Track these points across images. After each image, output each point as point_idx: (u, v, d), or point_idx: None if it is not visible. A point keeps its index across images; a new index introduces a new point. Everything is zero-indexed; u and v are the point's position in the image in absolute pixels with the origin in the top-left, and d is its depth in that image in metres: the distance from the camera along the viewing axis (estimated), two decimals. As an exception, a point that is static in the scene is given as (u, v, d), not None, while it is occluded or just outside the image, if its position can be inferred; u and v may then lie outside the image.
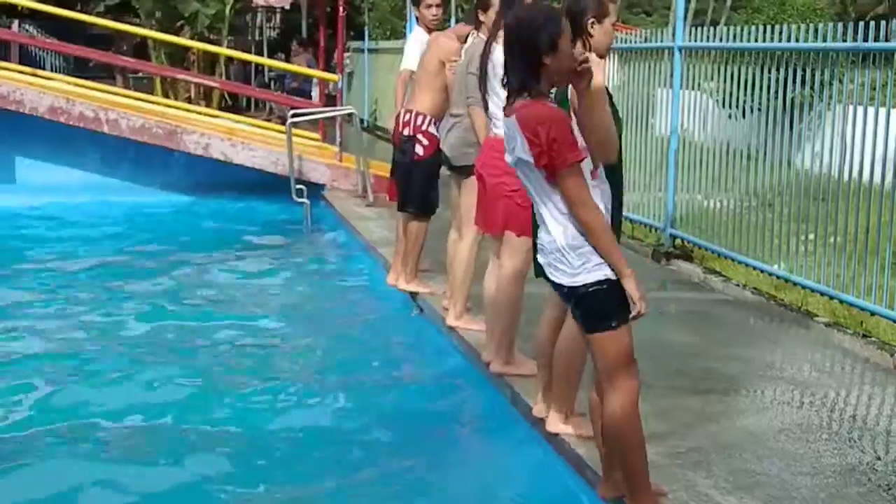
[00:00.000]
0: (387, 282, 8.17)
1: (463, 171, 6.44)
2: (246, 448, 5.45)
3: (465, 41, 6.47)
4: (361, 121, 13.94)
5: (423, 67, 7.25)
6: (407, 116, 7.32)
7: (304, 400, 6.22)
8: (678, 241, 9.48)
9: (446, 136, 6.69)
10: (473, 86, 6.02)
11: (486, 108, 5.75)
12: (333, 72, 15.06)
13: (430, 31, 7.91)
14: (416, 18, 8.13)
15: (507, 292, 5.73)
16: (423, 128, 7.17)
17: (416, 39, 8.00)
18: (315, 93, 16.89)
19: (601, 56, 4.59)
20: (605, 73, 5.13)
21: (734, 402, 5.54)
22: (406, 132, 7.31)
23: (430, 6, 7.73)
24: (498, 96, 5.55)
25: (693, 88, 9.46)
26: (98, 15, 18.56)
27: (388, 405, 6.19)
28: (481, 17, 6.38)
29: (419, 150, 7.20)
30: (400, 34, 21.74)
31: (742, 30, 8.61)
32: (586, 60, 3.90)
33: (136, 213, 12.71)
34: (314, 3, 23.56)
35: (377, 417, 5.92)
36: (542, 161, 3.74)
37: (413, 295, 7.76)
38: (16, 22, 26.65)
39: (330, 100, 15.39)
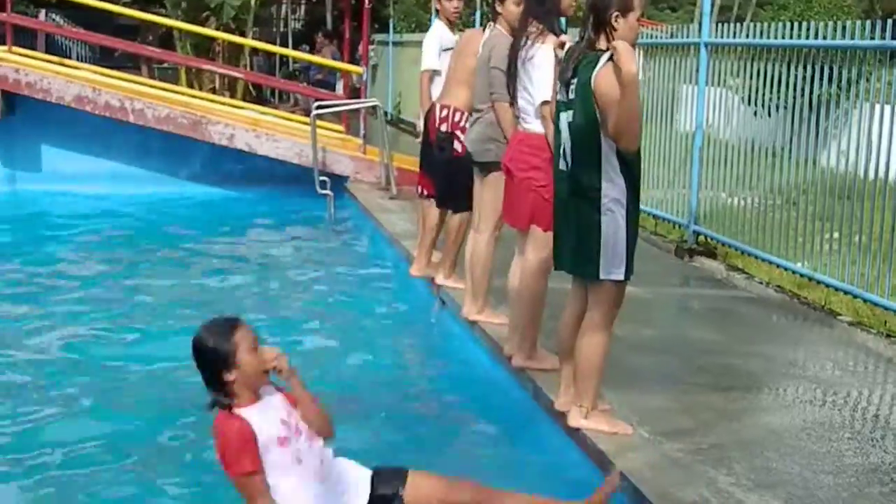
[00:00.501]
0: (410, 273, 8.19)
1: (484, 167, 6.44)
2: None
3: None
4: (385, 113, 13.94)
5: (462, 62, 7.04)
6: (444, 112, 7.21)
7: (322, 391, 6.23)
8: (701, 238, 9.46)
9: (469, 131, 6.67)
10: (498, 81, 6.02)
11: (513, 103, 5.75)
12: (358, 64, 15.08)
13: (451, 24, 7.90)
14: (437, 11, 8.12)
15: (531, 286, 5.74)
16: (462, 124, 7.03)
17: (436, 35, 7.93)
18: (339, 85, 16.93)
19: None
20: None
21: (756, 400, 5.54)
22: (444, 128, 7.19)
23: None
24: (528, 92, 5.56)
25: (718, 85, 9.44)
26: (124, 5, 18.59)
27: (408, 397, 6.21)
28: (498, 8, 6.41)
29: (458, 146, 7.11)
30: (425, 27, 21.76)
31: (768, 26, 8.58)
32: None
33: (161, 204, 12.78)
34: (339, -5, 23.63)
35: (396, 410, 5.93)
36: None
37: (438, 288, 7.76)
38: (42, 11, 26.81)
39: (354, 92, 15.41)
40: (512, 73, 5.71)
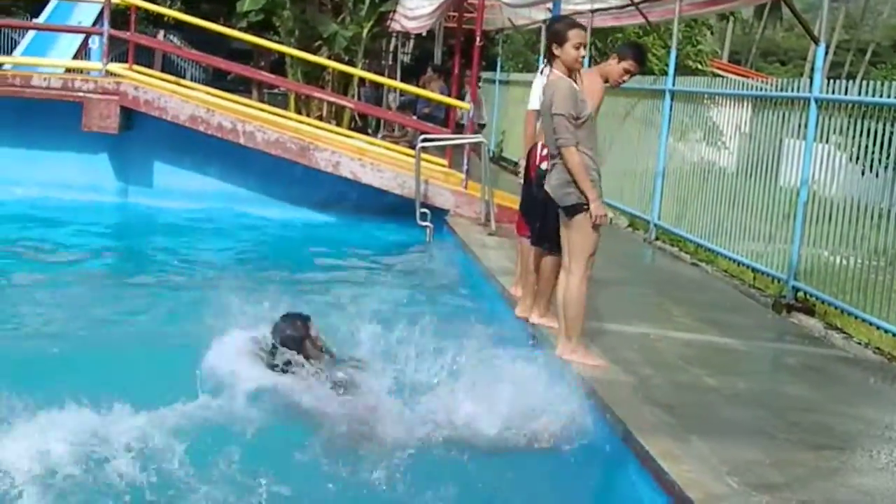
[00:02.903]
0: (516, 314, 8.20)
1: (568, 211, 6.55)
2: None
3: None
4: (488, 151, 14.09)
5: None
6: (545, 151, 7.27)
7: (412, 424, 6.29)
8: (801, 294, 9.37)
9: (548, 177, 6.77)
10: (562, 126, 6.24)
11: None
12: (465, 100, 15.26)
13: (569, 72, 7.70)
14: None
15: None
16: None
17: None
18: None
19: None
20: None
21: (850, 460, 5.48)
22: (544, 166, 7.23)
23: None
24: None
25: (825, 141, 9.37)
26: (240, 31, 19.12)
27: (496, 431, 6.25)
28: (556, 52, 6.61)
29: None
30: (532, 67, 21.93)
31: (881, 84, 8.51)
32: None
33: (264, 225, 13.08)
34: (449, 31, 23.93)
35: (485, 444, 6.00)
36: None
37: (533, 327, 7.83)
38: (161, 32, 27.66)
39: (458, 128, 15.60)
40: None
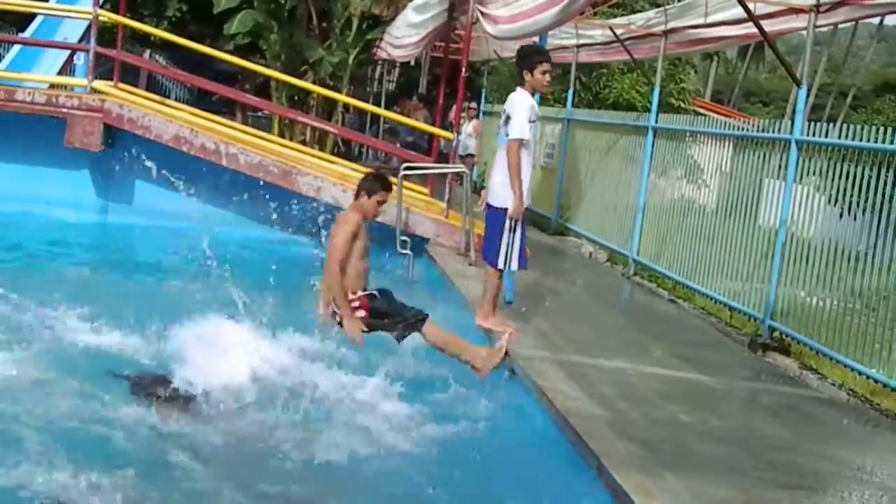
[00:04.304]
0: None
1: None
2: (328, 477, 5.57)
3: None
4: (471, 180, 14.12)
5: None
6: None
7: (388, 451, 6.29)
8: (776, 334, 9.42)
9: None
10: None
11: None
12: (449, 130, 15.31)
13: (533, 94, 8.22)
14: (521, 80, 8.26)
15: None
16: None
17: (529, 105, 8.11)
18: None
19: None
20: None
21: (821, 501, 5.50)
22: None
23: (545, 72, 8.09)
24: None
25: (803, 183, 9.45)
26: (226, 53, 19.12)
27: (475, 460, 6.26)
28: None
29: None
30: (516, 99, 22.03)
31: (861, 129, 8.59)
32: None
33: (238, 245, 13.00)
34: (435, 61, 24.04)
35: (462, 472, 6.00)
36: None
37: (506, 355, 7.84)
38: (147, 51, 27.67)
39: (441, 157, 15.63)
40: None
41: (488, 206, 8.34)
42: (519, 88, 8.20)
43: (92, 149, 13.57)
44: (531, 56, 8.15)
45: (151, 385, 6.78)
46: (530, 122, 8.08)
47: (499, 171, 8.19)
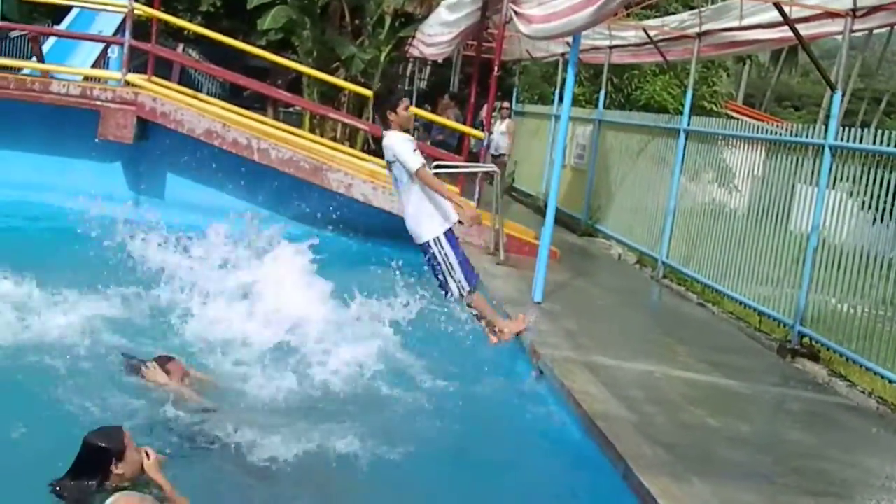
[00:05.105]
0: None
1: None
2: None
3: None
4: (502, 180, 14.11)
5: None
6: None
7: (403, 446, 6.29)
8: (806, 340, 9.36)
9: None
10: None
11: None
12: (480, 129, 15.31)
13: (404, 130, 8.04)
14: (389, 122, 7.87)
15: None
16: None
17: (406, 139, 7.91)
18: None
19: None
20: None
21: (849, 509, 5.48)
22: None
23: (407, 107, 7.91)
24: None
25: (836, 188, 9.38)
26: (259, 48, 19.18)
27: (495, 462, 6.27)
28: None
29: None
30: (547, 99, 22.00)
31: (897, 135, 8.52)
32: None
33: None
34: (467, 59, 24.03)
35: (480, 469, 6.02)
36: None
37: (537, 358, 7.84)
38: (181, 46, 27.79)
39: (472, 156, 15.63)
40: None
41: (426, 245, 7.97)
42: (388, 131, 7.81)
43: (125, 141, 13.66)
44: (390, 96, 7.98)
45: None
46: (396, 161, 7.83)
47: (412, 205, 7.84)
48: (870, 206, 8.94)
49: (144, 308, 8.57)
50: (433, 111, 20.19)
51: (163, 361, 6.73)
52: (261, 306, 8.44)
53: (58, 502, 4.66)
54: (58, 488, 4.68)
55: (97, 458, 4.72)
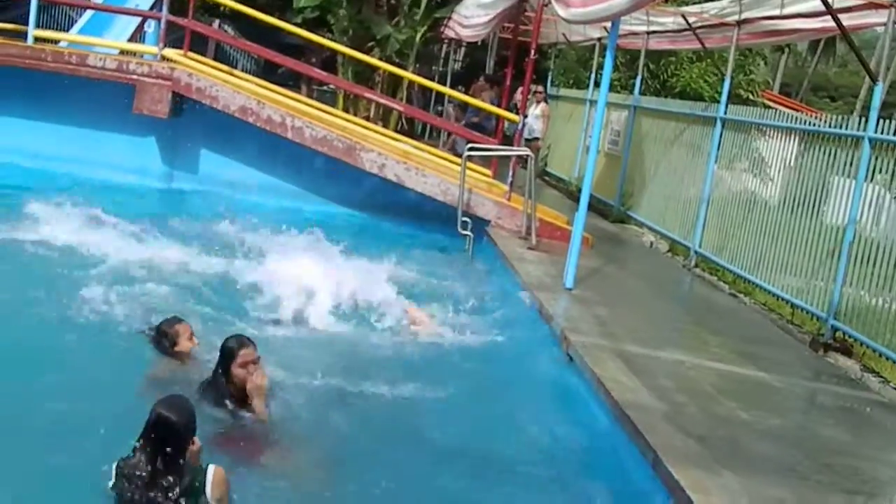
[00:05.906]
0: None
1: None
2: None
3: None
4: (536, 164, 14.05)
5: None
6: None
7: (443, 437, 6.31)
8: (839, 334, 9.28)
9: None
10: None
11: None
12: (514, 112, 15.24)
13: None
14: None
15: None
16: None
17: None
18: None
19: None
20: None
21: (881, 507, 5.43)
22: None
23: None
24: None
25: (873, 181, 9.27)
26: (295, 25, 19.15)
27: (522, 450, 6.26)
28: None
29: None
30: (583, 84, 21.88)
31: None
32: None
33: (302, 219, 13.04)
34: (503, 42, 23.93)
35: (504, 456, 6.01)
36: None
37: (567, 344, 7.81)
38: (216, 21, 27.84)
39: (506, 139, 15.56)
40: None
41: None
42: None
43: (160, 116, 13.69)
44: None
45: None
46: None
47: None
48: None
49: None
50: (467, 93, 20.13)
51: (172, 323, 6.73)
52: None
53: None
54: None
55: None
